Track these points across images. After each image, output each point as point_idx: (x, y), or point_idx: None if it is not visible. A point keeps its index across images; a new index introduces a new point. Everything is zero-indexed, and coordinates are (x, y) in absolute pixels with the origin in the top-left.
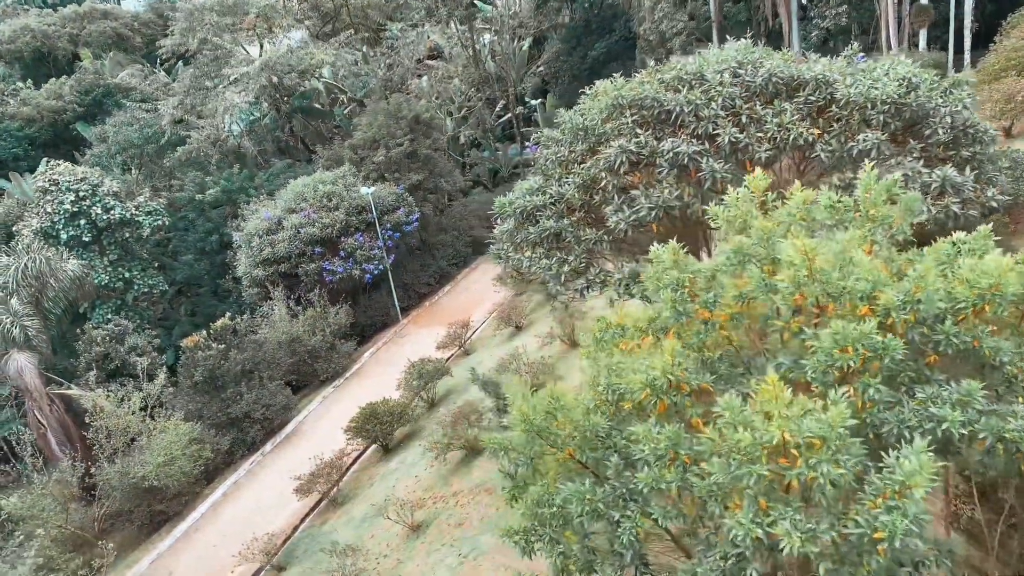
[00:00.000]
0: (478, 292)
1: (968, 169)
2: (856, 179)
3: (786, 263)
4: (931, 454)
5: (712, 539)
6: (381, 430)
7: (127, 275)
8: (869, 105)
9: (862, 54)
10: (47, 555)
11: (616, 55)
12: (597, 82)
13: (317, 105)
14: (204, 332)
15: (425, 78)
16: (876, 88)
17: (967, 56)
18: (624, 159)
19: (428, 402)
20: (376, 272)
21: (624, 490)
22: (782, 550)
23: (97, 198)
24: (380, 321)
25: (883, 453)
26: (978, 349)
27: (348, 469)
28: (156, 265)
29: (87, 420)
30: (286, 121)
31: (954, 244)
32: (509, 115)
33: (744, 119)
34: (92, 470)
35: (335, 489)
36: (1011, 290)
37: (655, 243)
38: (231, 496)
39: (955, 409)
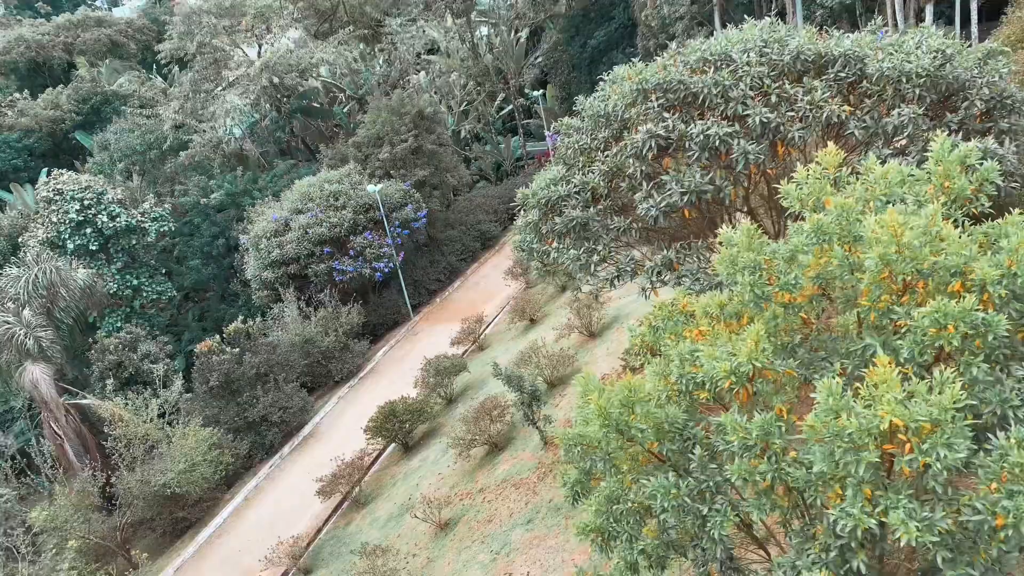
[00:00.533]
0: (489, 287)
1: (1008, 140)
2: (891, 155)
3: (871, 240)
4: None
5: (809, 530)
6: (401, 429)
7: (135, 282)
8: (904, 79)
9: (884, 29)
10: (76, 565)
11: (616, 43)
12: (615, 68)
13: (316, 104)
14: (217, 337)
15: (423, 73)
16: (910, 62)
17: (975, 29)
18: (652, 144)
19: (446, 399)
20: (386, 270)
21: (711, 483)
22: (893, 539)
23: (102, 206)
24: (392, 319)
25: (990, 435)
26: None
27: (369, 469)
28: (163, 271)
29: (104, 429)
30: (287, 122)
31: None
32: (509, 108)
33: (774, 98)
34: (112, 479)
35: (357, 489)
36: None
37: (686, 229)
38: (253, 500)
39: None
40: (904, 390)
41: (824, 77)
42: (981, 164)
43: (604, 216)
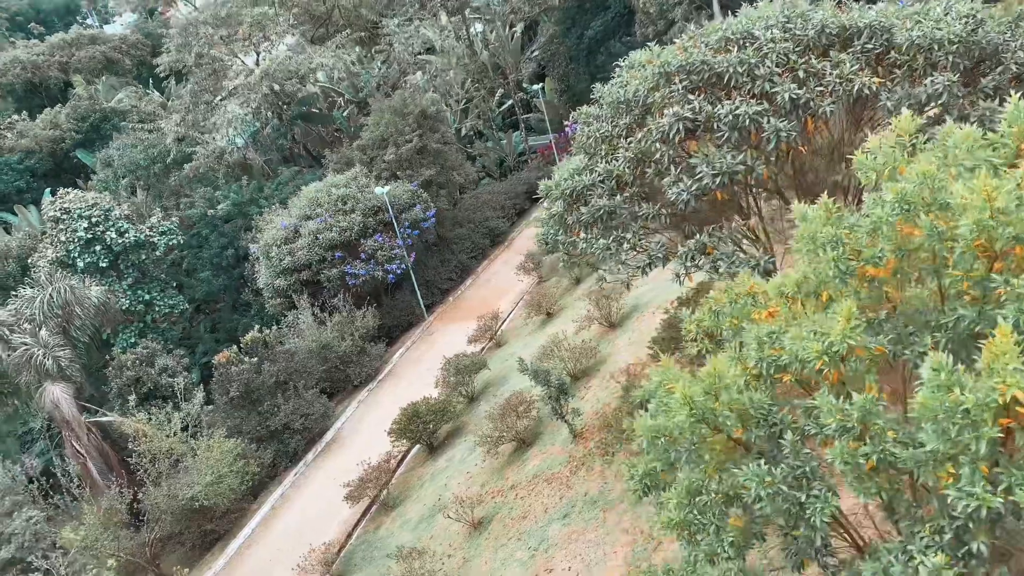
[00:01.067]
0: (501, 283)
1: None
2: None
3: (960, 207)
4: None
5: (916, 512)
6: (425, 429)
7: (147, 297)
8: (935, 46)
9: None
10: None
11: (613, 32)
12: (631, 53)
13: (316, 110)
14: (234, 347)
15: (420, 73)
16: (940, 29)
17: None
18: (680, 127)
19: (468, 397)
20: (399, 271)
21: (807, 468)
22: (1019, 519)
23: (110, 223)
24: (406, 321)
25: None
26: None
27: (395, 472)
28: (174, 285)
29: (129, 445)
30: (288, 129)
31: None
32: (509, 103)
33: (801, 74)
34: (139, 495)
35: (385, 492)
36: None
37: (714, 213)
38: (279, 509)
39: None
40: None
41: (850, 50)
42: None
43: (631, 204)
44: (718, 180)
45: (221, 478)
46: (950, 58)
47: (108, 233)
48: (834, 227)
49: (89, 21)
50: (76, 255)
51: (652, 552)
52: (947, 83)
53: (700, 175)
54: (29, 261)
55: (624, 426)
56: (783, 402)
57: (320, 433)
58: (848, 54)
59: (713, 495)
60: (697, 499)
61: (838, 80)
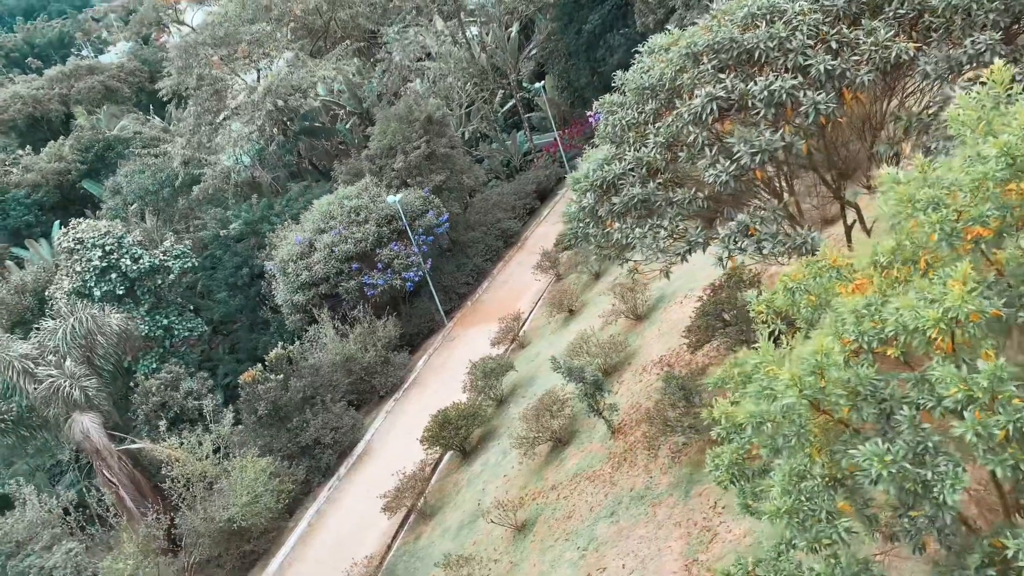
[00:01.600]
0: (517, 284)
1: None
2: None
3: None
4: None
5: None
6: (457, 435)
7: (165, 321)
8: (975, 5)
9: None
10: None
11: (611, 24)
12: (651, 38)
13: (318, 124)
14: (259, 366)
15: (418, 81)
16: None
17: None
18: (713, 107)
19: (496, 400)
20: (416, 279)
21: (928, 444)
22: None
23: (124, 250)
24: (426, 328)
25: None
26: None
27: (429, 479)
28: (191, 308)
29: (162, 471)
30: (294, 144)
31: None
32: (511, 103)
33: (834, 45)
34: (176, 520)
35: (422, 501)
36: None
37: (750, 193)
38: (316, 526)
39: None
40: None
41: (881, 17)
42: None
43: (666, 190)
44: (757, 159)
45: (257, 497)
46: (991, 16)
47: (123, 260)
48: (933, 188)
49: (84, 53)
50: (92, 284)
51: (709, 544)
52: (990, 42)
53: (738, 155)
54: (46, 294)
55: (704, 415)
56: (890, 375)
57: (351, 446)
58: (880, 21)
59: (820, 479)
60: (803, 485)
61: (874, 48)
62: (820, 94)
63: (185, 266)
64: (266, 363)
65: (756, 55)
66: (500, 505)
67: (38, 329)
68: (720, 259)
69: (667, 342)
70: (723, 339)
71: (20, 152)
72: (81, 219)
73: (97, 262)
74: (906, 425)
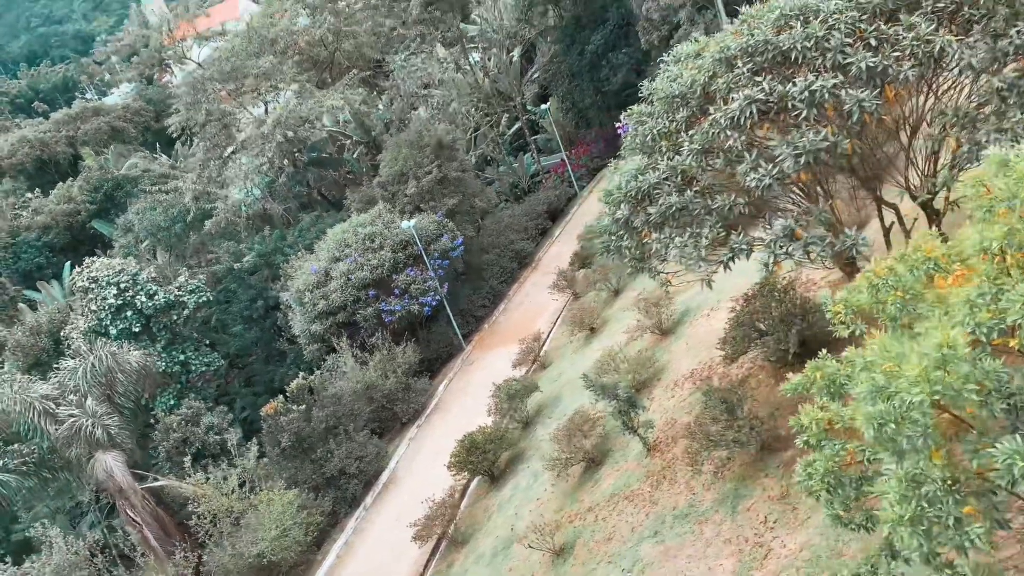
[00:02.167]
0: (534, 304)
1: None
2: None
3: None
4: None
5: None
6: (486, 459)
7: (182, 357)
8: None
9: None
10: None
11: (614, 44)
12: (676, 47)
13: (326, 155)
14: (280, 397)
15: (422, 108)
16: None
17: None
18: (752, 110)
19: (522, 422)
20: (433, 303)
21: None
22: None
23: (139, 287)
24: (445, 352)
25: None
26: None
27: (459, 505)
28: (207, 342)
29: (187, 507)
30: (303, 175)
31: None
32: (517, 126)
33: (873, 41)
34: (203, 558)
35: (452, 528)
36: None
37: (790, 198)
38: (345, 558)
39: None
40: None
41: (919, 12)
42: None
43: (703, 197)
44: (802, 160)
45: (286, 531)
46: None
47: (138, 297)
48: None
49: (88, 95)
50: (108, 323)
51: (763, 560)
52: None
53: (781, 157)
54: (61, 335)
55: (792, 423)
56: (1014, 368)
57: (376, 475)
58: (919, 15)
59: (940, 483)
60: (922, 490)
61: (915, 42)
62: (864, 91)
63: (200, 301)
64: (287, 394)
65: (793, 56)
66: (536, 529)
67: (57, 369)
68: (766, 265)
69: (697, 356)
70: (761, 349)
71: (29, 195)
72: (94, 258)
73: (112, 300)
74: None
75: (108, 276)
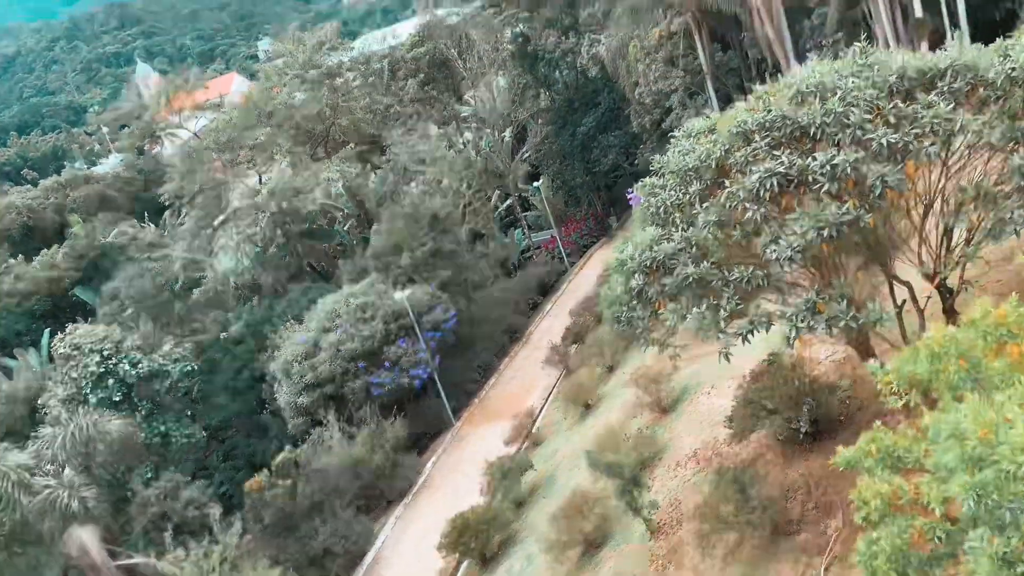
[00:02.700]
0: (526, 379)
1: None
2: None
3: None
4: None
5: None
6: (478, 540)
7: (162, 428)
8: None
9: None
10: None
11: (605, 126)
12: (688, 122)
13: (316, 226)
14: (265, 471)
15: (414, 184)
16: None
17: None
18: (773, 183)
19: (515, 502)
20: (424, 376)
21: None
22: None
23: (122, 355)
24: (434, 427)
25: None
26: None
27: None
28: (188, 414)
29: None
30: (294, 246)
31: None
32: (508, 202)
33: (892, 119)
34: None
35: None
36: None
37: (811, 271)
38: None
39: None
40: None
41: (935, 91)
42: None
43: (720, 269)
44: (826, 232)
45: None
46: None
47: (121, 365)
48: None
49: (78, 165)
50: (88, 391)
51: None
52: None
53: (805, 230)
54: (38, 402)
55: (853, 496)
56: None
57: (361, 555)
58: (935, 95)
59: None
60: (1017, 570)
61: (935, 120)
62: (887, 166)
63: (185, 370)
64: (272, 468)
65: (812, 131)
66: None
67: (34, 438)
68: (787, 338)
69: (699, 434)
70: (770, 428)
71: (12, 261)
72: (77, 324)
73: (94, 368)
74: None
75: (91, 343)
